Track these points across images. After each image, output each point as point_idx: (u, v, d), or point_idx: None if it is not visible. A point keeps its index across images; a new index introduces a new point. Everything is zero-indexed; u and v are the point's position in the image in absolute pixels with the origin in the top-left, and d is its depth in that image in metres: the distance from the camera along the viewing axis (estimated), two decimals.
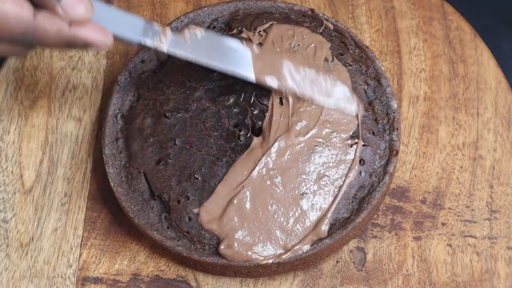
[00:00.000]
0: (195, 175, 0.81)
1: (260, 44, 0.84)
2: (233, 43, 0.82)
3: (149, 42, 0.78)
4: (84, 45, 0.73)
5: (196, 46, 0.80)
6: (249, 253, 0.80)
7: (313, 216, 0.80)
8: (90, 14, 0.72)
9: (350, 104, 0.82)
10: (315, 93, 0.82)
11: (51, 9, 0.71)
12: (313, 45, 0.85)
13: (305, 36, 0.86)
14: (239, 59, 0.81)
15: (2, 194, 0.86)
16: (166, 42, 0.79)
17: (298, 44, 0.85)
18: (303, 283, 0.83)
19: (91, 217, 0.85)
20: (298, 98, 0.82)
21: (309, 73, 0.82)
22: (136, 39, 0.77)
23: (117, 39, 0.76)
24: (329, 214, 0.80)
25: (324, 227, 0.80)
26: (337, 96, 0.82)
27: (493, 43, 0.96)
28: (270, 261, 0.79)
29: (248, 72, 0.81)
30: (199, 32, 0.80)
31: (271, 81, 0.81)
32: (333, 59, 0.85)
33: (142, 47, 0.78)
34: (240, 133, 0.82)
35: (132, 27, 0.77)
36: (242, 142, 0.82)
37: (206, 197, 0.81)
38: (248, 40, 0.83)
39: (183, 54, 0.79)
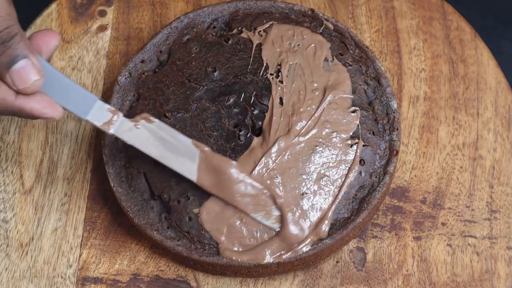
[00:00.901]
0: None
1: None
2: (183, 139, 0.80)
3: (97, 123, 0.77)
4: (30, 117, 0.73)
5: (144, 135, 0.79)
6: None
7: (313, 216, 0.80)
8: (37, 86, 0.71)
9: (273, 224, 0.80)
10: (251, 210, 0.79)
11: (1, 78, 0.71)
12: (313, 45, 0.85)
13: (305, 36, 0.86)
14: (185, 157, 0.79)
15: (2, 194, 0.86)
16: (114, 126, 0.78)
17: (298, 44, 0.85)
18: (303, 283, 0.83)
19: (91, 217, 0.85)
20: (299, 99, 0.82)
21: (254, 186, 0.79)
22: (84, 117, 0.76)
23: (67, 111, 0.76)
24: (329, 214, 0.80)
25: (325, 227, 0.80)
26: (274, 216, 0.79)
27: (493, 43, 0.96)
28: (270, 261, 0.79)
29: (190, 173, 0.79)
30: (152, 121, 0.79)
31: (212, 188, 0.79)
32: (333, 59, 0.85)
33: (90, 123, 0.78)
34: (240, 133, 0.82)
35: (83, 103, 0.76)
36: (242, 142, 0.82)
37: (206, 197, 0.81)
38: (200, 144, 0.80)
39: (129, 140, 0.78)
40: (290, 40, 0.85)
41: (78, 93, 0.76)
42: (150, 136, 0.79)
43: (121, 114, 0.78)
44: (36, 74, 0.71)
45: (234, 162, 0.79)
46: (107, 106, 0.77)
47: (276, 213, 0.79)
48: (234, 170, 0.79)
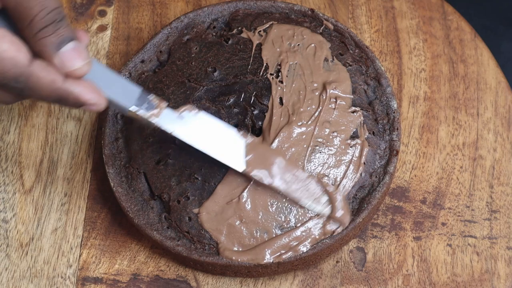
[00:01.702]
0: (195, 175, 0.81)
1: (260, 135, 0.82)
2: (228, 130, 0.80)
3: (142, 112, 0.75)
4: (76, 103, 0.71)
5: (189, 125, 0.78)
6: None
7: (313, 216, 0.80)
8: (86, 69, 0.70)
9: (341, 213, 0.81)
10: (302, 197, 0.80)
11: (48, 59, 0.69)
12: (313, 45, 0.85)
13: (305, 36, 0.86)
14: (231, 147, 0.79)
15: (2, 194, 0.86)
16: (159, 116, 0.77)
17: (298, 44, 0.85)
18: (303, 283, 0.83)
19: (91, 217, 0.85)
20: (298, 99, 0.82)
21: (300, 175, 0.80)
22: (130, 107, 0.75)
23: (111, 103, 0.74)
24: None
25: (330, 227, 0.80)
26: (324, 203, 0.80)
27: (493, 43, 0.96)
28: (270, 261, 0.79)
29: (237, 162, 0.79)
30: (196, 112, 0.79)
31: (260, 176, 0.79)
32: (333, 59, 0.85)
33: (134, 116, 0.76)
34: (240, 133, 0.82)
35: (127, 94, 0.75)
36: None
37: (206, 197, 0.81)
38: (245, 132, 0.81)
39: (174, 132, 0.77)
40: (290, 40, 0.85)
41: (121, 84, 0.75)
42: (194, 127, 0.78)
43: (165, 104, 0.77)
44: (85, 57, 0.70)
45: (278, 154, 0.80)
46: (151, 96, 0.76)
47: (325, 198, 0.80)
48: (280, 160, 0.80)
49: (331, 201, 0.80)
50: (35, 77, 0.69)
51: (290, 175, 0.80)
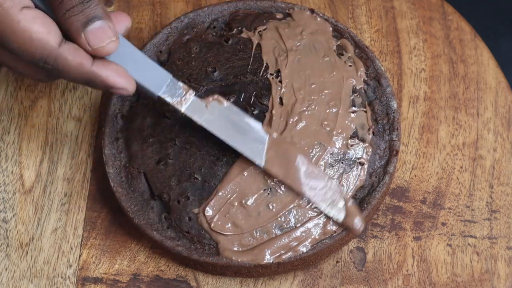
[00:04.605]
0: (195, 175, 0.81)
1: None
2: (253, 124, 0.80)
3: (169, 99, 0.77)
4: (104, 86, 0.72)
5: (214, 115, 0.79)
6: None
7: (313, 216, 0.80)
8: (112, 47, 0.71)
9: (352, 217, 0.80)
10: (317, 199, 0.79)
11: (75, 38, 0.71)
12: (313, 44, 0.85)
13: (304, 36, 0.86)
14: (254, 140, 0.79)
15: (2, 194, 0.86)
16: (185, 104, 0.78)
17: (298, 44, 0.85)
18: (303, 283, 0.83)
19: (91, 217, 0.85)
20: (298, 99, 0.82)
21: (320, 177, 0.79)
22: (158, 93, 0.77)
23: (139, 87, 0.76)
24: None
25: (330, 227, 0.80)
26: (339, 206, 0.79)
27: (493, 43, 0.96)
28: (270, 261, 0.79)
29: (258, 157, 0.79)
30: (223, 102, 0.80)
31: (278, 172, 0.79)
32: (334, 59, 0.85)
33: (162, 101, 0.78)
34: None
35: (157, 80, 0.77)
36: None
37: (206, 197, 0.81)
38: (268, 126, 0.81)
39: (199, 120, 0.79)
40: (290, 40, 0.85)
41: (151, 68, 0.76)
42: (220, 118, 0.79)
43: (193, 93, 0.78)
44: (112, 35, 0.71)
45: (299, 152, 0.79)
46: (180, 83, 0.78)
47: (342, 203, 0.79)
48: (302, 159, 0.79)
49: (347, 207, 0.79)
50: (63, 59, 0.71)
51: (310, 176, 0.79)
